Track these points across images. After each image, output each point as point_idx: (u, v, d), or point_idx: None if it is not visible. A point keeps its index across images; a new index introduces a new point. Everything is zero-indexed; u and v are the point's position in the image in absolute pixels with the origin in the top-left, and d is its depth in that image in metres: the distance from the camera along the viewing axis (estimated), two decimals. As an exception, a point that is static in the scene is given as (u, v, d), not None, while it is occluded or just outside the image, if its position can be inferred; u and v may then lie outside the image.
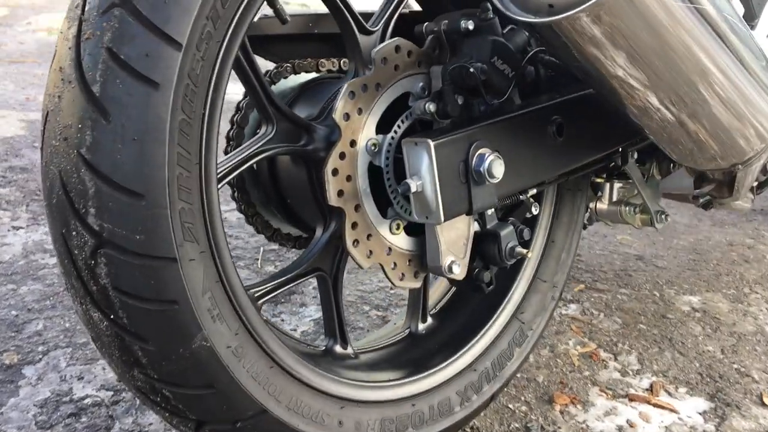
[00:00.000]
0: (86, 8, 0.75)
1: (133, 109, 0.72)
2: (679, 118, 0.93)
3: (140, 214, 0.73)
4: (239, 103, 1.11)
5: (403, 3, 1.04)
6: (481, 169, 0.91)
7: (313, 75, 1.17)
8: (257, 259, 1.74)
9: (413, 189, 0.89)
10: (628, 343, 1.53)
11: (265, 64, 1.22)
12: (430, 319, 1.15)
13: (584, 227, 1.45)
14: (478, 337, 1.11)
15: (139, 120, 0.72)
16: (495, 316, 1.15)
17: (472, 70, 0.92)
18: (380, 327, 1.47)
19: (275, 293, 0.94)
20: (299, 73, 1.15)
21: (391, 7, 1.01)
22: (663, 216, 1.41)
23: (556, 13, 0.74)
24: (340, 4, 0.95)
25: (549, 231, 1.22)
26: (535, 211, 1.10)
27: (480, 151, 0.92)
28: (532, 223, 1.18)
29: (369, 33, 0.98)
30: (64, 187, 0.74)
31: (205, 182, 0.80)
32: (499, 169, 0.92)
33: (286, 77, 1.14)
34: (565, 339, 1.52)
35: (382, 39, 0.99)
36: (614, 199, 1.46)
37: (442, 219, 0.90)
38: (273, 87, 1.11)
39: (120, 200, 0.72)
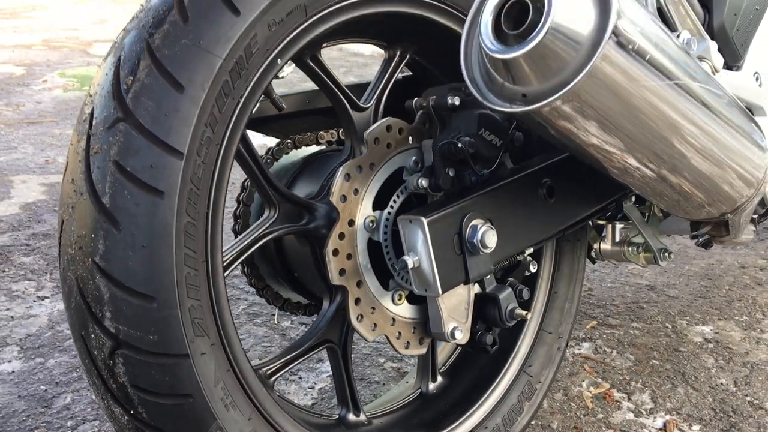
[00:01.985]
0: (93, 123, 0.80)
1: (141, 217, 0.77)
2: (659, 174, 0.97)
3: (152, 316, 0.78)
4: (244, 182, 1.16)
5: (393, 79, 1.09)
6: (475, 240, 0.95)
7: (314, 148, 1.22)
8: (273, 315, 1.79)
9: (410, 265, 0.93)
10: (641, 380, 1.55)
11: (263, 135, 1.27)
12: (440, 378, 1.19)
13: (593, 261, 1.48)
14: (487, 394, 1.15)
15: (147, 228, 0.78)
16: (503, 371, 1.18)
17: (460, 145, 0.97)
18: (396, 380, 1.51)
19: (287, 369, 0.99)
20: (300, 147, 1.20)
21: (382, 83, 1.07)
22: (666, 254, 1.44)
23: (530, 103, 0.78)
24: (331, 84, 1.00)
25: (551, 283, 1.25)
26: (533, 269, 1.14)
27: (473, 223, 0.96)
28: (532, 279, 1.21)
29: (362, 110, 1.03)
30: (81, 292, 0.79)
31: (212, 276, 0.84)
32: (491, 239, 0.96)
33: (287, 152, 1.19)
34: (578, 380, 1.54)
35: (375, 114, 1.05)
36: (617, 239, 1.49)
37: (440, 291, 0.94)
38: (276, 163, 1.16)
39: (133, 304, 0.77)
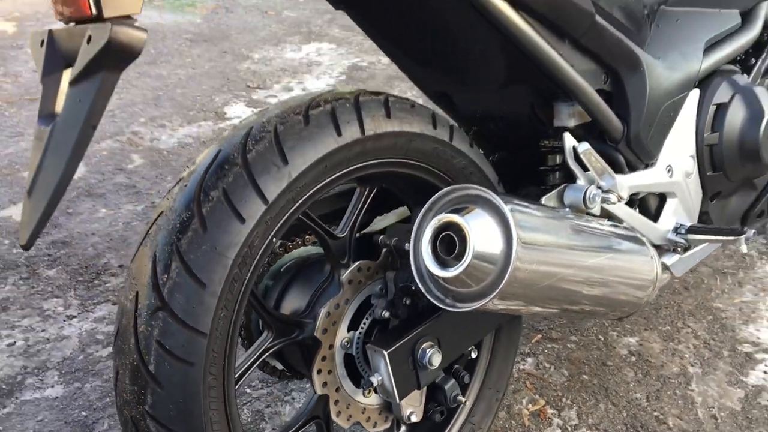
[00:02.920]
0: (138, 306, 1.09)
1: (178, 381, 1.08)
2: (561, 308, 1.27)
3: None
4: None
5: (363, 210, 1.36)
6: (425, 361, 1.27)
7: (303, 249, 1.50)
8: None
9: (375, 383, 1.25)
10: (571, 396, 1.91)
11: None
12: (403, 427, 1.53)
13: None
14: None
15: (182, 388, 1.08)
16: (452, 423, 1.53)
17: (413, 287, 1.26)
18: None
19: (285, 444, 1.32)
20: (291, 251, 1.48)
21: (354, 215, 1.34)
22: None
23: (467, 302, 1.07)
24: (310, 223, 1.27)
25: (492, 349, 1.57)
26: (474, 355, 1.46)
27: (423, 347, 1.27)
28: (473, 362, 1.53)
29: (338, 239, 1.31)
30: (136, 427, 1.11)
31: (228, 403, 1.16)
32: (437, 359, 1.28)
33: (281, 257, 1.47)
34: (520, 397, 1.90)
35: (350, 239, 1.33)
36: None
37: (398, 400, 1.26)
38: (266, 276, 1.44)
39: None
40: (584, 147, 1.37)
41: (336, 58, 4.53)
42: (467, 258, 1.02)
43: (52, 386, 1.88)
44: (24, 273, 2.34)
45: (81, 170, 2.98)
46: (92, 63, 0.96)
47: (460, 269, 1.02)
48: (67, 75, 1.05)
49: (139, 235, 1.15)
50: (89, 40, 0.96)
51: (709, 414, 1.85)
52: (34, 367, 1.95)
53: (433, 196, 1.11)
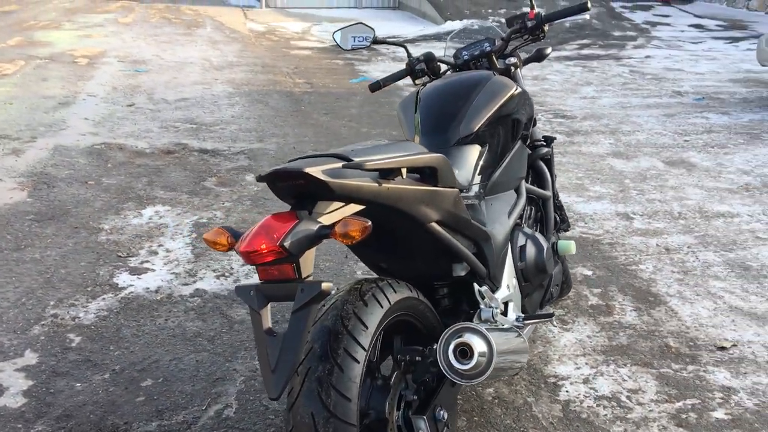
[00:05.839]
0: None
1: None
2: (503, 375, 2.49)
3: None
4: None
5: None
6: (438, 417, 2.40)
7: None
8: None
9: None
10: (473, 431, 3.11)
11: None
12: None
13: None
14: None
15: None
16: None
17: (427, 379, 2.39)
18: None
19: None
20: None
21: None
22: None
23: (474, 380, 2.24)
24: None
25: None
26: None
27: (436, 409, 2.40)
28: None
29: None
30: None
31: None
32: (443, 414, 2.41)
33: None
34: (446, 439, 3.05)
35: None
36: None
37: (431, 441, 2.36)
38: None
39: None
40: (484, 287, 2.64)
41: (177, 218, 5.41)
42: (475, 358, 2.19)
43: None
44: None
45: (32, 358, 3.59)
46: (307, 302, 1.98)
47: (472, 363, 2.19)
48: (268, 307, 2.05)
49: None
50: (302, 290, 1.99)
51: (548, 422, 3.18)
52: None
53: (449, 329, 2.27)
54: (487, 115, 3.03)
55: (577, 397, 3.36)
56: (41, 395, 3.29)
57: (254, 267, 2.04)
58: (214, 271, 4.60)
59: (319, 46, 14.22)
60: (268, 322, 2.04)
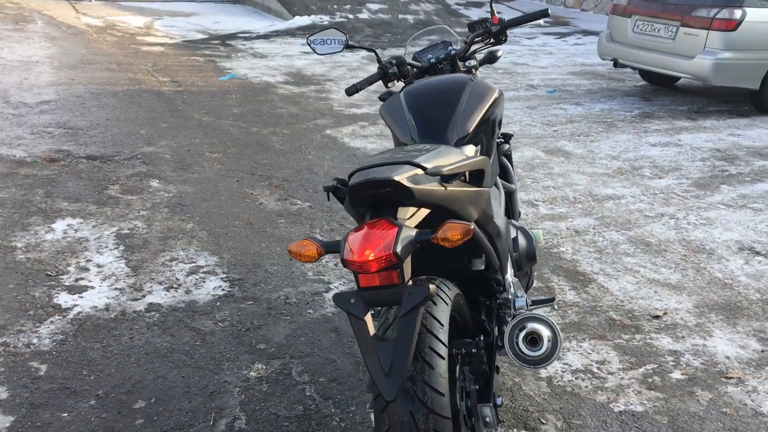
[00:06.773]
0: None
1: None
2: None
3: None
4: None
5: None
6: (498, 401, 2.56)
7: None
8: None
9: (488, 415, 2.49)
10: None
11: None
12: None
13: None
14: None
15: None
16: None
17: (484, 368, 2.54)
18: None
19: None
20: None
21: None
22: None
23: (540, 366, 2.42)
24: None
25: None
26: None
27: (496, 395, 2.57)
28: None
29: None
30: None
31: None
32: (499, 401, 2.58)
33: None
34: None
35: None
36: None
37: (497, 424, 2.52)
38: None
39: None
40: (514, 279, 2.83)
41: (95, 231, 5.11)
42: (545, 344, 2.38)
43: None
44: None
45: (1, 392, 3.31)
46: (416, 306, 2.07)
47: (543, 349, 2.38)
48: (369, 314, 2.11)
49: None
50: (410, 293, 2.07)
51: (541, 398, 3.44)
52: None
53: (513, 320, 2.43)
54: (479, 116, 3.22)
55: (557, 374, 3.66)
56: (28, 430, 3.05)
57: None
58: (160, 283, 4.42)
59: (170, 42, 13.68)
60: (373, 328, 2.10)
